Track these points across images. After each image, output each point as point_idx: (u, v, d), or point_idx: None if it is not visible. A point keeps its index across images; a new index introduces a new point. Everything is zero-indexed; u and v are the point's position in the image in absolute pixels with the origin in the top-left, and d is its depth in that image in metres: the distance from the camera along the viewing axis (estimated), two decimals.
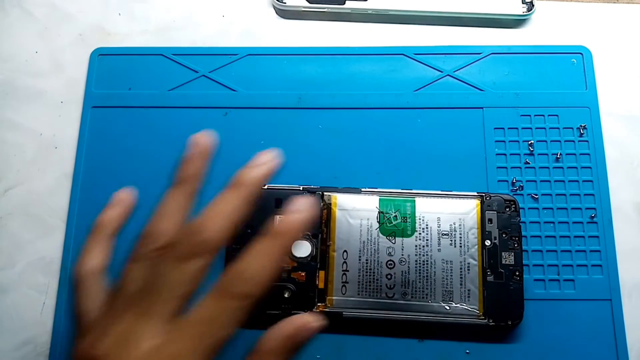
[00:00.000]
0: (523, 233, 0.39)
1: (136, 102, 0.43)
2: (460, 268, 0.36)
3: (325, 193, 0.38)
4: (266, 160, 0.30)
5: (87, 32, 0.46)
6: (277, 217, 0.38)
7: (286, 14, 0.46)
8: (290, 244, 0.27)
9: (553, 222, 0.39)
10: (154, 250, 0.26)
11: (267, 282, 0.25)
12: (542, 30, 0.45)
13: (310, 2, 0.45)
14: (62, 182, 0.42)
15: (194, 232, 0.25)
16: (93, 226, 0.31)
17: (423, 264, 0.37)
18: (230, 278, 0.25)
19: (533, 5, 0.44)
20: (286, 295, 0.36)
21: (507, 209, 0.38)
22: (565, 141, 0.41)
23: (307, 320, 0.27)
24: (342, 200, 0.38)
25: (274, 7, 0.46)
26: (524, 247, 0.38)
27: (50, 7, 0.46)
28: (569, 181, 0.40)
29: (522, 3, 0.44)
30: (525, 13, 0.44)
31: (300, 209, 0.27)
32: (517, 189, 0.40)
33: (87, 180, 0.41)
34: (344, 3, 0.45)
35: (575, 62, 0.43)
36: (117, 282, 0.27)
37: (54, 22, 0.46)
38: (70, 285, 0.39)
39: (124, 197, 0.33)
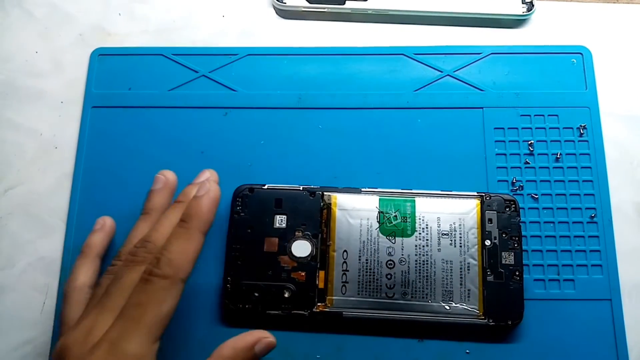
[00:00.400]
0: (523, 233, 0.39)
1: (136, 102, 0.43)
2: (460, 268, 0.37)
3: (325, 193, 0.38)
4: (208, 177, 0.35)
5: (87, 32, 0.46)
6: (277, 217, 0.38)
7: (286, 14, 0.46)
8: (207, 226, 0.31)
9: (553, 222, 0.40)
10: (118, 266, 0.32)
11: (188, 264, 0.29)
12: (542, 30, 0.45)
13: (310, 2, 0.45)
14: (62, 182, 0.42)
15: (143, 244, 0.31)
16: (82, 248, 0.37)
17: (423, 264, 0.37)
18: (154, 263, 0.29)
19: (533, 5, 0.44)
20: (286, 295, 0.36)
21: (507, 209, 0.38)
22: (565, 141, 0.41)
23: (264, 334, 0.31)
24: (342, 200, 0.38)
25: (274, 7, 0.46)
26: (524, 247, 0.38)
27: (50, 7, 0.47)
28: (569, 181, 0.40)
29: (522, 3, 0.44)
30: (525, 13, 0.44)
31: (201, 193, 0.31)
32: (517, 189, 0.40)
33: (87, 180, 0.41)
34: (344, 3, 0.45)
35: (575, 62, 0.43)
36: (93, 292, 0.33)
37: (54, 22, 0.46)
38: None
39: (107, 223, 0.38)
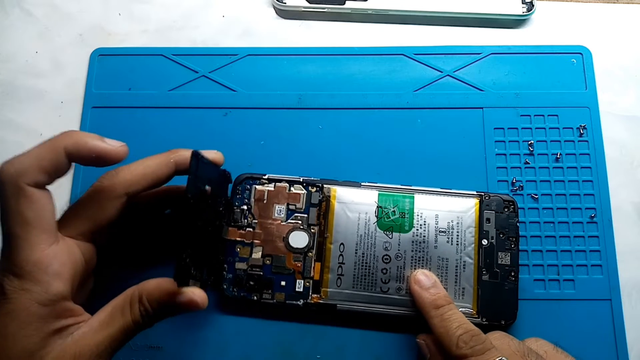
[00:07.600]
0: (523, 233, 0.41)
1: (136, 102, 0.45)
2: (456, 266, 0.38)
3: (325, 185, 0.40)
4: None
5: (87, 32, 0.48)
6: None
7: (286, 14, 0.48)
8: (174, 159, 0.35)
9: (553, 222, 0.41)
10: None
11: (130, 177, 0.33)
12: (542, 30, 0.47)
13: (310, 2, 0.47)
14: (62, 182, 0.42)
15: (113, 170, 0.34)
16: None
17: (419, 260, 0.38)
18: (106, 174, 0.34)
19: (533, 5, 0.46)
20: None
21: (506, 209, 0.39)
22: (565, 141, 0.43)
23: (195, 295, 0.32)
24: (341, 194, 0.39)
25: (274, 7, 0.48)
26: (524, 247, 0.40)
27: (50, 7, 0.48)
28: (569, 181, 0.42)
29: (522, 3, 0.46)
30: (525, 13, 0.46)
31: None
32: (517, 189, 0.42)
33: (87, 180, 0.43)
34: (344, 3, 0.46)
35: (575, 62, 0.45)
36: None
37: (54, 22, 0.48)
38: None
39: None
